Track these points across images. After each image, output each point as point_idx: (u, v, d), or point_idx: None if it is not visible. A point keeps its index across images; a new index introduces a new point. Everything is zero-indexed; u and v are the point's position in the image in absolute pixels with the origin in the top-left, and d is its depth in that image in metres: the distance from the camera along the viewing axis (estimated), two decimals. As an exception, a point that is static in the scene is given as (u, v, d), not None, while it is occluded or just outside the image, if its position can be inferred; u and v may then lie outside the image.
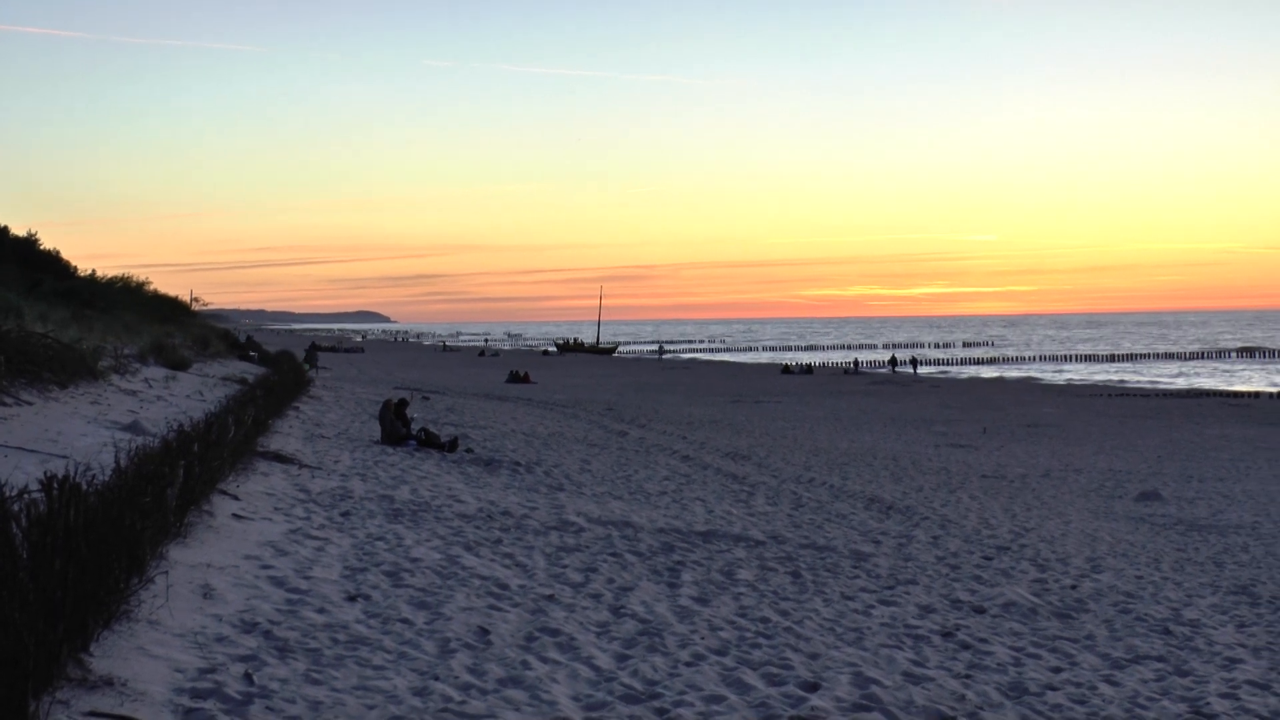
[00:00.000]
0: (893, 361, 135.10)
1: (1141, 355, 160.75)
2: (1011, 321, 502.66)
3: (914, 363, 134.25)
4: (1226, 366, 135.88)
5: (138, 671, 9.21)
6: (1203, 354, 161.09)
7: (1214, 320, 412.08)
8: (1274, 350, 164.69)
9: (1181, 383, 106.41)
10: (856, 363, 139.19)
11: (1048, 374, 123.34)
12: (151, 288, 77.09)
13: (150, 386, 32.30)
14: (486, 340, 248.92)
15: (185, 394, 33.04)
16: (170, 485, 12.72)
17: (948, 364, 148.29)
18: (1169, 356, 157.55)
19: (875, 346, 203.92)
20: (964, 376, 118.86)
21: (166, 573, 11.47)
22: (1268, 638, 16.56)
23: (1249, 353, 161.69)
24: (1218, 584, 20.54)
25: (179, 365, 40.97)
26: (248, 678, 9.64)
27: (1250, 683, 13.75)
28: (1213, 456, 44.18)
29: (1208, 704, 12.55)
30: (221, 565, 13.05)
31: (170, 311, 71.96)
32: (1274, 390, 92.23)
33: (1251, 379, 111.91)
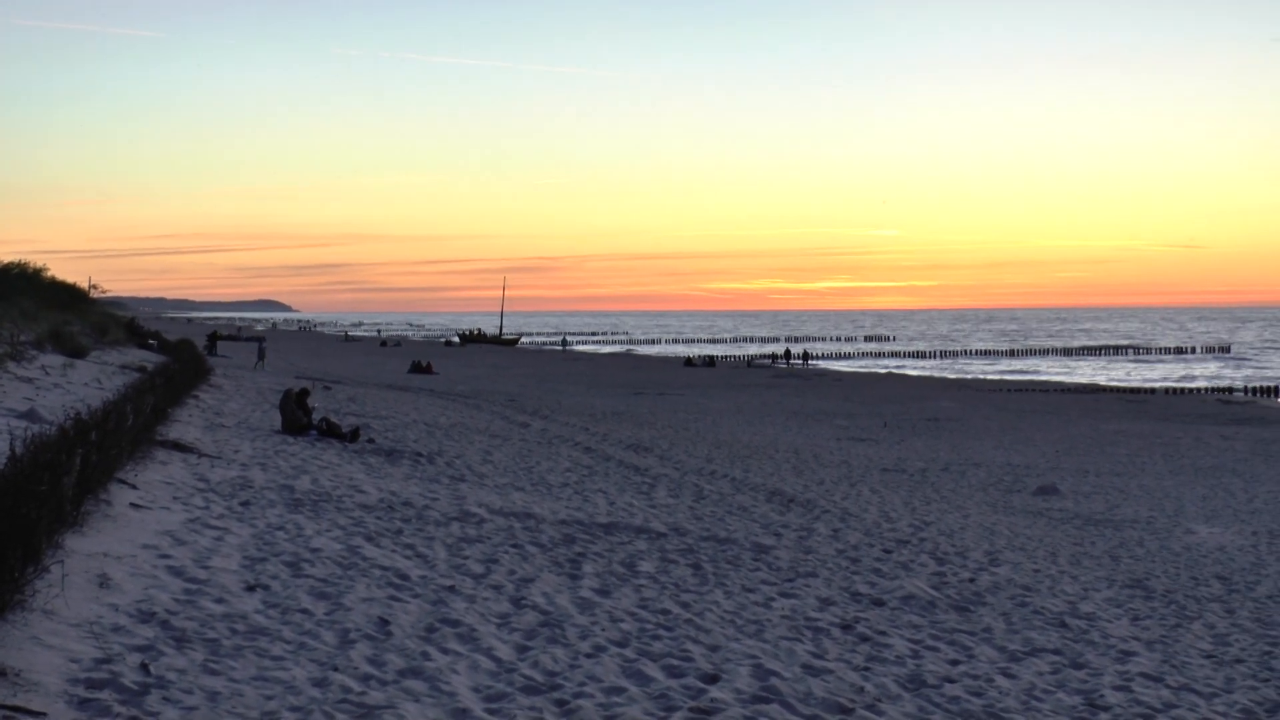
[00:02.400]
0: (786, 355, 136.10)
1: (1041, 350, 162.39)
2: (913, 316, 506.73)
3: (804, 356, 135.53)
4: (1123, 364, 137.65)
5: (32, 661, 9.11)
6: (1100, 350, 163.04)
7: (1111, 316, 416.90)
8: (1154, 348, 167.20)
9: (1063, 377, 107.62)
10: (805, 353, 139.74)
11: (947, 369, 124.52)
12: (49, 274, 76.10)
13: (47, 374, 31.89)
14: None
15: (83, 382, 32.66)
16: (67, 473, 12.57)
17: (849, 358, 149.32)
18: (1068, 352, 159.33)
19: (778, 340, 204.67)
20: (865, 370, 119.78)
21: (62, 562, 11.34)
22: (1161, 631, 16.81)
23: (1133, 350, 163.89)
24: (1113, 578, 20.81)
25: (77, 353, 40.47)
26: (144, 668, 9.55)
27: (1144, 675, 13.94)
28: (1109, 452, 44.73)
29: (1102, 696, 12.71)
30: (119, 554, 12.92)
31: (68, 298, 70.99)
32: (1169, 386, 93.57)
33: (1131, 375, 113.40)
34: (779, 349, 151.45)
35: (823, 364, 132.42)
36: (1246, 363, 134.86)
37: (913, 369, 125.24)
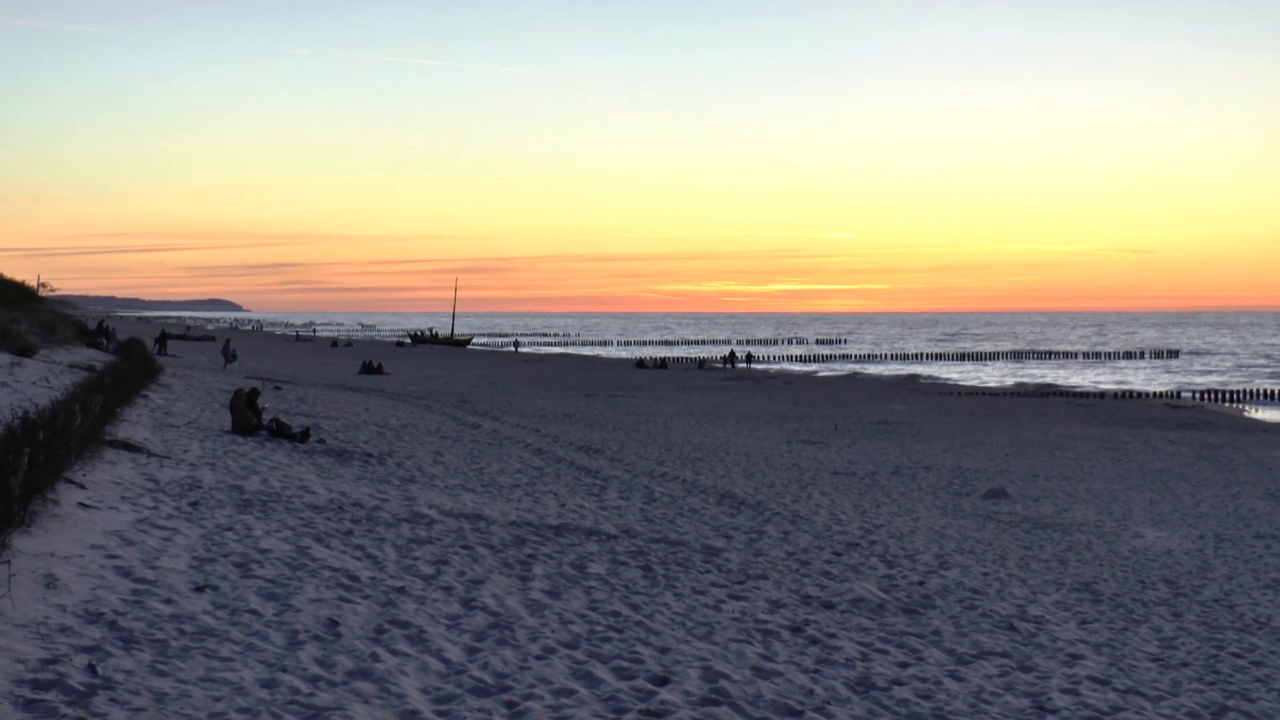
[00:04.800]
0: (731, 357, 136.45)
1: (990, 354, 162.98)
2: (864, 319, 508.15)
3: (749, 358, 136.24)
4: (1071, 367, 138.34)
5: (-23, 662, 9.04)
6: (1050, 354, 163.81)
7: (1062, 320, 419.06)
8: (1109, 352, 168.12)
9: (1013, 383, 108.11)
10: (749, 356, 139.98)
11: (898, 372, 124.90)
12: (-4, 272, 75.70)
13: (-6, 372, 31.66)
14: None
15: (31, 381, 32.42)
16: (13, 473, 12.49)
17: (800, 360, 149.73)
18: (1017, 356, 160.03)
19: (729, 342, 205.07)
20: (816, 373, 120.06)
21: (9, 562, 11.27)
22: (1108, 634, 16.91)
23: (1083, 355, 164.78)
24: (1061, 581, 20.93)
25: (25, 352, 40.19)
26: (91, 669, 9.49)
27: (1091, 678, 14.03)
28: (1058, 455, 44.98)
29: (1050, 699, 12.78)
30: (66, 554, 12.83)
31: (16, 297, 70.53)
32: (1118, 390, 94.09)
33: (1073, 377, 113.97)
34: (729, 351, 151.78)
35: (774, 367, 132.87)
36: (1193, 367, 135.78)
37: (857, 367, 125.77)
